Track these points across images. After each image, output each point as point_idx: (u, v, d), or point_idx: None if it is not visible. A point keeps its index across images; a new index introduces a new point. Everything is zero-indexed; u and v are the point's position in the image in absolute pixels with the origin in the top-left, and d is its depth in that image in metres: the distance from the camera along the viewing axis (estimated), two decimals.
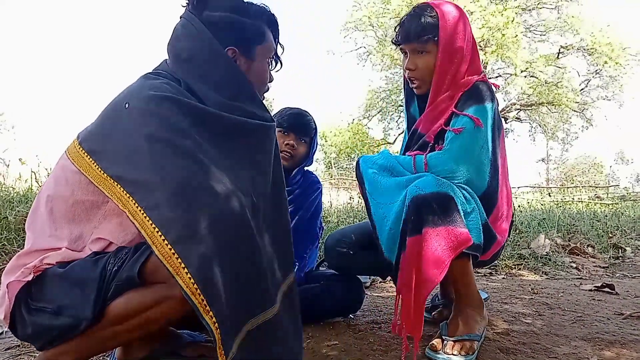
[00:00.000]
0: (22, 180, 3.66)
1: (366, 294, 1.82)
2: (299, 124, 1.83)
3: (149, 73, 1.15)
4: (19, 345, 1.43)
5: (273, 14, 1.26)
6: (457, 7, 1.52)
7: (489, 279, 2.74)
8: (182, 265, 0.86)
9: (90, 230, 1.05)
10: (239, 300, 0.93)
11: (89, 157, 1.02)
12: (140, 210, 0.91)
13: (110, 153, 1.00)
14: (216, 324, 0.87)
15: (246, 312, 0.96)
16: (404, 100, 1.72)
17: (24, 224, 2.43)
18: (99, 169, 0.99)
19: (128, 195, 0.94)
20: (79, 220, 1.05)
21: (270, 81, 1.30)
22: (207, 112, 1.04)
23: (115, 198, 0.95)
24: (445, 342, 1.37)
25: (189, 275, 0.85)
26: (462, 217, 1.28)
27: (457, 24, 1.47)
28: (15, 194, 3.04)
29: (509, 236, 1.68)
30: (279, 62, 1.32)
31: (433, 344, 1.37)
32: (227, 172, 0.99)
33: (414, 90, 1.58)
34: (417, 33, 1.46)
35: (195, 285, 0.85)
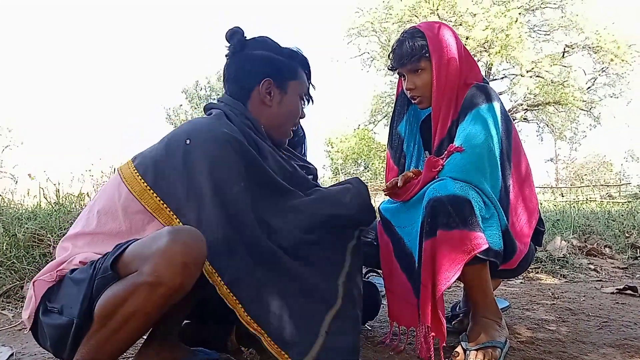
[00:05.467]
0: (30, 196, 3.65)
1: (382, 304, 1.76)
2: None
3: (218, 110, 1.29)
4: None
5: (305, 57, 1.42)
6: (441, 23, 1.58)
7: (506, 284, 2.67)
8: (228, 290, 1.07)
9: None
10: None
11: (142, 180, 1.14)
12: None
13: (161, 179, 1.14)
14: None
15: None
16: (390, 119, 1.79)
17: (34, 241, 2.43)
18: (150, 191, 1.13)
19: (176, 217, 1.11)
20: (120, 237, 1.11)
21: (302, 117, 1.44)
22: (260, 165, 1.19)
23: (162, 218, 1.12)
24: (467, 351, 1.34)
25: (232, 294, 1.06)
26: (479, 221, 1.27)
27: (445, 37, 1.52)
28: (24, 211, 3.02)
29: (540, 246, 1.65)
30: (310, 100, 1.45)
31: (455, 353, 1.34)
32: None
33: (418, 106, 1.62)
34: (409, 54, 1.53)
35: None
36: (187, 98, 31.47)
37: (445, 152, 1.42)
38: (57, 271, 1.08)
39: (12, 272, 2.31)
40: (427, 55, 1.51)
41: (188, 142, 1.13)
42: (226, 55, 1.36)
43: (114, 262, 0.98)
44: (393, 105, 1.75)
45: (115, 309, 0.94)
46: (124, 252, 0.99)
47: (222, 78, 1.41)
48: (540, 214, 1.59)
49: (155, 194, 1.12)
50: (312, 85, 1.45)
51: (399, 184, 1.48)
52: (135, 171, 1.16)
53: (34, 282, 1.09)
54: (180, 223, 1.10)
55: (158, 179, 1.14)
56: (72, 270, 1.07)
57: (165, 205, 1.12)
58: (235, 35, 1.33)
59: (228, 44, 1.34)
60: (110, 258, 0.99)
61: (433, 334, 1.30)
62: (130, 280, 0.94)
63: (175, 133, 1.20)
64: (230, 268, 1.06)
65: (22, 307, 2.11)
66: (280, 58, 1.35)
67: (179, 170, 1.12)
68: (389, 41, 19.54)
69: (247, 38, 1.36)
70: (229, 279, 1.05)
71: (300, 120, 1.46)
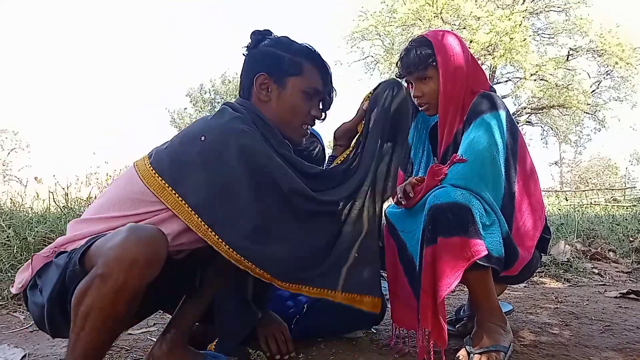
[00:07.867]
0: (39, 200, 3.69)
1: (387, 307, 1.78)
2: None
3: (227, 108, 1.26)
4: None
5: (316, 54, 1.34)
6: (449, 32, 1.60)
7: (510, 288, 2.69)
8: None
9: None
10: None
11: (160, 177, 1.14)
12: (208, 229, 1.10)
13: (180, 176, 1.14)
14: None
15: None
16: None
17: (44, 244, 2.47)
18: (169, 188, 1.12)
19: (195, 214, 1.10)
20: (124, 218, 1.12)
21: (318, 118, 1.38)
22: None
23: (182, 215, 1.10)
24: (471, 355, 1.35)
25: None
26: (479, 228, 1.28)
27: (452, 46, 1.54)
28: (34, 214, 3.06)
29: (545, 253, 1.66)
30: (324, 100, 1.38)
31: (458, 356, 1.36)
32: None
33: (425, 113, 1.64)
34: (416, 63, 1.55)
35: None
36: (191, 101, 31.55)
37: (449, 161, 1.44)
38: (54, 248, 1.11)
39: None
40: (434, 63, 1.53)
41: (203, 138, 1.14)
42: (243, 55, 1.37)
43: (82, 256, 1.00)
44: None
45: (79, 304, 0.94)
46: (90, 247, 1.00)
47: (226, 81, 1.42)
48: (546, 220, 1.60)
49: (174, 191, 1.11)
50: (331, 86, 1.38)
51: (410, 194, 1.45)
52: (152, 168, 1.15)
53: (33, 256, 1.12)
54: (200, 219, 1.09)
55: (176, 176, 1.13)
56: (61, 253, 1.08)
57: (184, 202, 1.11)
58: (253, 35, 1.34)
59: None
60: (78, 252, 1.00)
61: (432, 338, 1.31)
62: (89, 275, 0.94)
63: (188, 131, 1.21)
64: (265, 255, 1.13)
65: None
66: (282, 53, 1.30)
67: (198, 167, 1.12)
68: (393, 44, 19.59)
69: (269, 37, 1.35)
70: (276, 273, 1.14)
71: (317, 122, 1.39)
